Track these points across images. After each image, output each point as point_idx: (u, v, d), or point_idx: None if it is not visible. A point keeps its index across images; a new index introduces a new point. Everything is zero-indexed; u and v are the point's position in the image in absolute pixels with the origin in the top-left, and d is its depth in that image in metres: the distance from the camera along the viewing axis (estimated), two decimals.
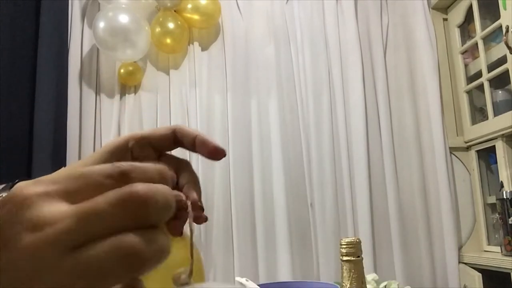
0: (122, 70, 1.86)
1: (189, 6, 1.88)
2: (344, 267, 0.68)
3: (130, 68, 1.85)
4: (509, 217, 1.64)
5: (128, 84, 1.90)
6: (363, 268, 0.68)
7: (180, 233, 0.33)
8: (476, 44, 1.87)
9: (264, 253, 1.81)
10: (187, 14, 1.89)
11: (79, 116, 1.82)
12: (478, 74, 1.89)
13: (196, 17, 1.90)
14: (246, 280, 0.94)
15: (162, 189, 0.23)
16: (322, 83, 1.96)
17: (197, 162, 1.84)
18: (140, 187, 0.22)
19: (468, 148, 2.00)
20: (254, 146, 1.90)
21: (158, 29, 1.84)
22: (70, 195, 0.23)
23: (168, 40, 1.86)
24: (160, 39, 1.85)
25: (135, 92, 1.92)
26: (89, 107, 1.86)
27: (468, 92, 1.99)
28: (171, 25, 1.84)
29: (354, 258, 0.67)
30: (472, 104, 1.99)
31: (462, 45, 2.02)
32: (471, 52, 1.99)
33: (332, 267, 1.78)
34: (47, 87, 1.76)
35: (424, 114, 1.98)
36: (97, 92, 1.89)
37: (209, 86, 1.93)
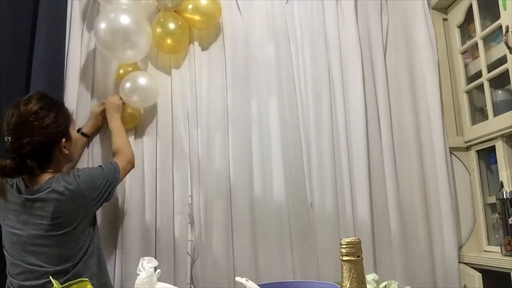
0: (121, 71, 1.85)
1: (190, 6, 1.87)
2: (344, 267, 0.68)
3: (129, 68, 1.85)
4: (509, 217, 1.64)
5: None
6: (363, 268, 0.68)
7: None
8: (476, 44, 1.87)
9: (264, 253, 1.81)
10: (187, 15, 1.88)
11: (75, 117, 1.81)
12: (478, 74, 1.89)
13: (196, 17, 1.89)
14: (246, 280, 0.94)
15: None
16: (322, 83, 1.96)
17: (197, 162, 1.84)
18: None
19: (468, 148, 2.00)
20: (254, 146, 1.90)
21: (158, 30, 1.84)
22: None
23: (169, 41, 1.86)
24: (160, 40, 1.85)
25: None
26: (87, 108, 1.85)
27: (468, 92, 1.99)
28: (171, 26, 1.84)
29: (354, 258, 0.67)
30: (472, 104, 1.99)
31: (462, 45, 2.02)
32: (471, 52, 1.99)
33: (332, 267, 1.78)
34: (41, 89, 1.73)
35: (424, 114, 1.98)
36: (97, 92, 1.89)
37: (209, 86, 1.93)
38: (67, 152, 1.42)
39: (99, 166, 1.51)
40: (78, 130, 1.73)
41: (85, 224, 1.40)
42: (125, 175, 1.62)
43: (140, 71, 1.86)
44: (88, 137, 1.77)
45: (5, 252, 1.37)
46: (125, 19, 1.70)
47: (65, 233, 1.33)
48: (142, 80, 1.78)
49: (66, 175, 1.37)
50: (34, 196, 1.32)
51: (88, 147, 1.82)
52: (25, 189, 1.35)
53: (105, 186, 1.44)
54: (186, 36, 1.91)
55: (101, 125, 1.81)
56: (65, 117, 1.42)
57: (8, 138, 1.30)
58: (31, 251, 1.31)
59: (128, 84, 1.77)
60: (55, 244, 1.33)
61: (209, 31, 1.98)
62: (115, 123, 1.72)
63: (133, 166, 1.65)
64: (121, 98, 1.77)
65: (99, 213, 1.77)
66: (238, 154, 1.87)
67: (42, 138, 1.32)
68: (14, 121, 1.31)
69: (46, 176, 1.36)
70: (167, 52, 1.92)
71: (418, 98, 2.01)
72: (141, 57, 1.85)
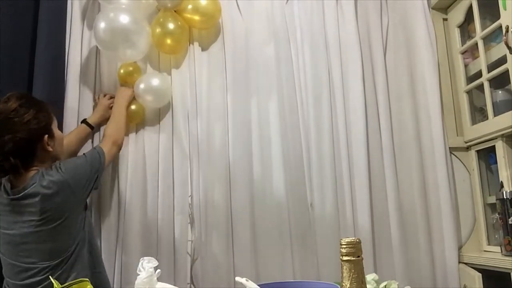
0: (122, 71, 1.85)
1: (190, 6, 1.87)
2: (344, 267, 0.68)
3: (130, 68, 1.85)
4: (509, 217, 1.64)
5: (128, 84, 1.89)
6: (363, 268, 0.68)
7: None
8: (476, 44, 1.87)
9: (264, 253, 1.81)
10: (187, 15, 1.88)
11: (77, 117, 1.82)
12: (478, 74, 1.89)
13: (196, 17, 1.89)
14: (246, 280, 0.94)
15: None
16: (322, 83, 1.96)
17: (197, 161, 1.84)
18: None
19: (468, 148, 2.00)
20: (254, 146, 1.90)
21: (158, 30, 1.84)
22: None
23: (168, 41, 1.85)
24: (160, 40, 1.85)
25: None
26: (88, 108, 1.85)
27: (468, 92, 1.99)
28: (171, 26, 1.83)
29: (354, 258, 0.67)
30: (472, 104, 1.99)
31: (462, 45, 2.02)
32: (471, 52, 1.99)
33: (332, 267, 1.78)
34: (42, 88, 1.74)
35: (424, 114, 1.98)
36: (99, 91, 1.89)
37: (209, 86, 1.93)
38: (51, 149, 1.41)
39: (83, 154, 1.52)
40: (83, 121, 1.77)
41: (76, 214, 1.40)
42: (112, 158, 1.63)
43: (154, 72, 1.90)
44: (93, 128, 1.79)
45: (0, 254, 1.38)
46: (124, 19, 1.70)
47: (55, 226, 1.34)
48: (155, 81, 1.82)
49: (49, 169, 1.37)
50: (21, 195, 1.33)
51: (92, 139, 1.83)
52: (11, 190, 1.36)
53: (91, 172, 1.45)
54: (186, 36, 1.91)
55: (108, 117, 1.81)
56: (46, 115, 1.41)
57: None
58: (24, 250, 1.32)
59: (142, 85, 1.81)
60: (47, 239, 1.33)
61: (209, 31, 1.98)
62: (117, 109, 1.75)
63: (119, 148, 1.67)
64: (134, 92, 1.81)
65: (100, 212, 1.78)
66: (238, 154, 1.87)
67: (24, 134, 1.32)
68: None
69: (31, 174, 1.36)
70: (166, 52, 1.92)
71: (418, 98, 2.01)
72: (140, 57, 1.85)
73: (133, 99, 1.83)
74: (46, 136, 1.39)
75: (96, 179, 1.47)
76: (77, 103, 1.83)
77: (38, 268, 1.31)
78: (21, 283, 1.32)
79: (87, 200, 1.49)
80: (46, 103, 1.46)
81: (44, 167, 1.40)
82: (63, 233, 1.36)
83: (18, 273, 1.32)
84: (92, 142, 1.83)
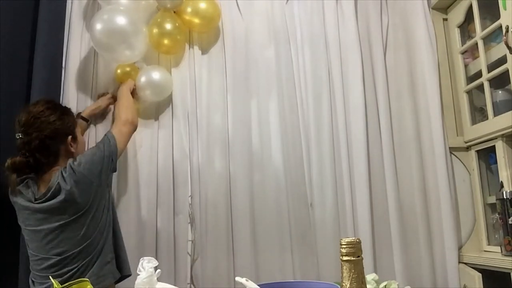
0: (119, 71, 1.85)
1: (189, 9, 1.87)
2: (344, 267, 0.68)
3: (127, 68, 1.85)
4: (509, 217, 1.64)
5: None
6: (363, 268, 0.68)
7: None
8: (476, 44, 1.87)
9: (264, 253, 1.82)
10: (186, 17, 1.88)
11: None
12: (478, 74, 1.89)
13: (196, 20, 1.89)
14: (246, 280, 0.94)
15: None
16: (322, 83, 1.96)
17: (197, 162, 1.84)
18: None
19: (468, 148, 2.00)
20: (254, 146, 1.90)
21: (155, 30, 1.83)
22: None
23: (165, 41, 1.85)
24: (157, 40, 1.84)
25: None
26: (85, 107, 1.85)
27: (468, 92, 1.99)
28: (168, 26, 1.83)
29: (354, 258, 0.67)
30: (472, 104, 1.99)
31: (462, 45, 2.02)
32: (471, 52, 1.99)
33: (332, 267, 1.78)
34: (40, 87, 1.74)
35: (424, 114, 1.98)
36: (97, 92, 1.89)
37: (209, 86, 1.93)
38: (73, 150, 1.51)
39: (97, 144, 1.59)
40: (78, 114, 1.80)
41: (100, 201, 1.47)
42: (127, 136, 1.64)
43: (155, 65, 1.90)
44: (88, 121, 1.82)
45: (30, 251, 1.44)
46: (120, 20, 1.70)
47: (84, 217, 1.41)
48: (155, 75, 1.83)
49: (68, 165, 1.45)
50: (45, 193, 1.40)
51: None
52: (37, 189, 1.44)
53: (104, 158, 1.50)
54: (183, 36, 1.90)
55: (99, 112, 1.84)
56: (71, 118, 1.53)
57: (19, 135, 1.42)
58: (56, 242, 1.39)
59: (143, 78, 1.82)
60: (77, 230, 1.41)
61: (209, 31, 1.97)
62: (122, 93, 1.77)
63: (133, 125, 1.67)
64: (135, 85, 1.83)
65: None
66: (238, 154, 1.87)
67: (49, 133, 1.43)
68: (24, 119, 1.43)
69: (54, 173, 1.44)
70: (164, 52, 1.92)
71: (418, 98, 2.01)
72: (139, 58, 1.85)
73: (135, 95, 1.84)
74: (70, 137, 1.49)
75: (111, 162, 1.53)
76: (75, 102, 1.83)
77: (68, 260, 1.38)
78: (54, 274, 1.37)
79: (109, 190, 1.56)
80: (70, 110, 1.57)
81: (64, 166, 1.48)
82: (91, 222, 1.43)
83: (51, 266, 1.38)
84: (88, 137, 1.83)
